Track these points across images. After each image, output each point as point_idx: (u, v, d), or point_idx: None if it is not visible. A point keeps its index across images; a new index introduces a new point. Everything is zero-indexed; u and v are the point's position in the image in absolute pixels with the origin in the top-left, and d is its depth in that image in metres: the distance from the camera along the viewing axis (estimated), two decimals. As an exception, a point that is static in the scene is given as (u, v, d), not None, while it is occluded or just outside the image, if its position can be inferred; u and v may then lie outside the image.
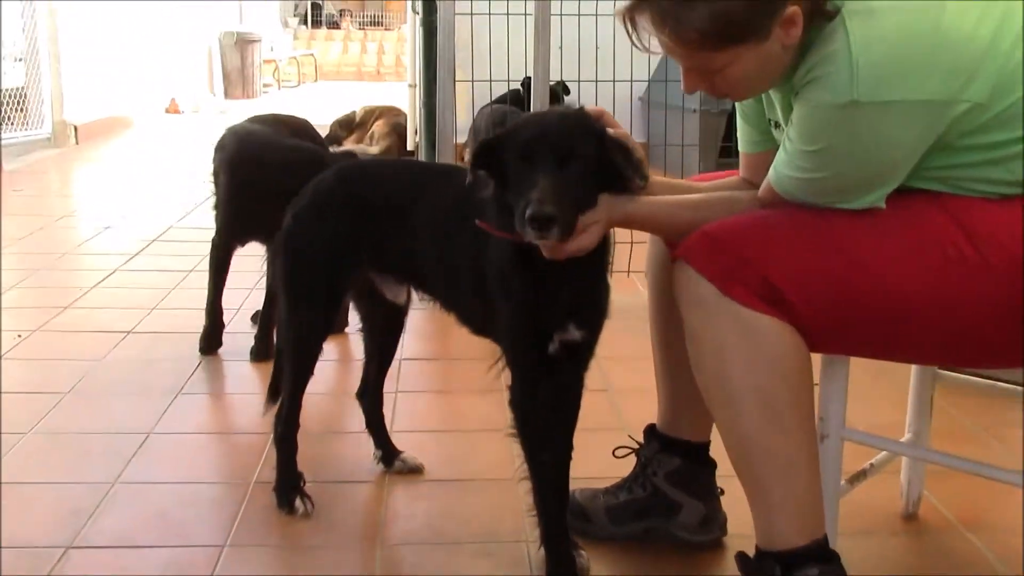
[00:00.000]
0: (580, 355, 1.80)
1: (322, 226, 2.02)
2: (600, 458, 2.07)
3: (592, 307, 1.76)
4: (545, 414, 1.80)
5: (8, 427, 2.48)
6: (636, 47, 1.53)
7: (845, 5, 1.41)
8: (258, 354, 3.04)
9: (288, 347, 2.10)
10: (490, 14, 3.60)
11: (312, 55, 16.73)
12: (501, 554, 1.96)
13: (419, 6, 3.83)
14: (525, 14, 3.61)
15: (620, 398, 2.73)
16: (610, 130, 1.61)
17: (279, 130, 3.11)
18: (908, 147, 1.43)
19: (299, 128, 3.24)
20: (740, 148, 1.81)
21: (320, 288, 2.04)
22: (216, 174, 3.08)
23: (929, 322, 1.46)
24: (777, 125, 1.65)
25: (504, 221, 1.63)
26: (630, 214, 1.59)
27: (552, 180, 1.50)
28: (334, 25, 20.94)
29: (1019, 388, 2.07)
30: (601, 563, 1.92)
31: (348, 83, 16.66)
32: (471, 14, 3.61)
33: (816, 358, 1.60)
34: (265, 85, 14.03)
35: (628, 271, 3.57)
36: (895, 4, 1.39)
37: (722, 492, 1.99)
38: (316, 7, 21.32)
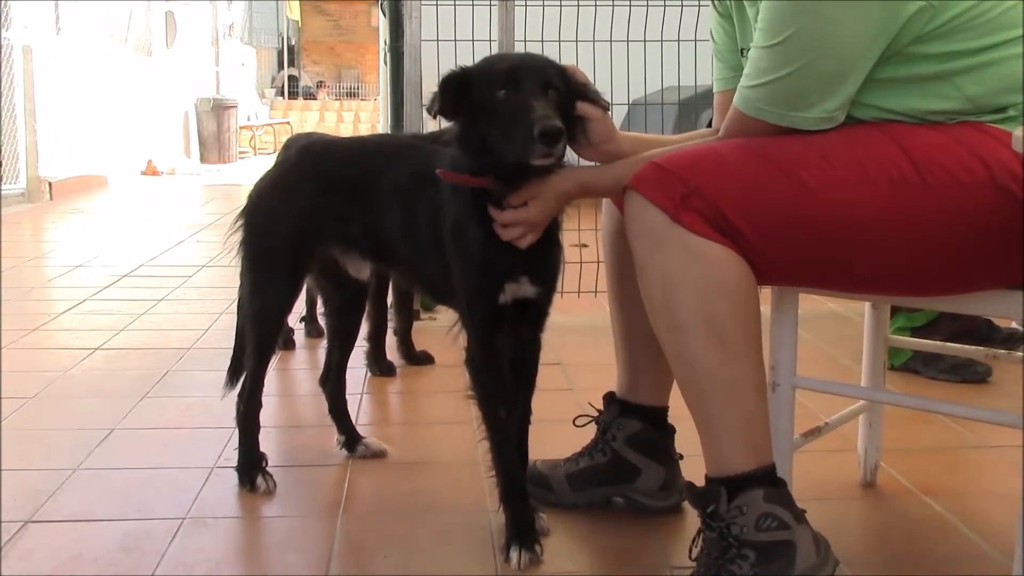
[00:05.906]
0: (535, 314, 1.84)
1: (286, 202, 2.05)
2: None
3: (544, 263, 1.80)
4: (502, 373, 1.82)
5: (-34, 430, 2.45)
6: None
7: None
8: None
9: (250, 324, 2.11)
10: (455, 40, 3.69)
11: (288, 123, 16.92)
12: (462, 524, 1.95)
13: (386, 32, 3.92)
14: (490, 40, 3.71)
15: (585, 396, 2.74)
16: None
17: None
18: (867, 39, 1.47)
19: None
20: (715, 89, 1.86)
21: (283, 264, 2.06)
22: None
23: (873, 246, 1.49)
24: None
25: (465, 165, 1.69)
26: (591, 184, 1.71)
27: (545, 102, 1.60)
28: (311, 96, 21.23)
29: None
30: (561, 530, 1.92)
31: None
32: (437, 40, 3.70)
33: (767, 311, 1.63)
34: (241, 152, 14.16)
35: (596, 291, 3.63)
36: None
37: (681, 457, 2.00)
38: (293, 79, 21.63)
